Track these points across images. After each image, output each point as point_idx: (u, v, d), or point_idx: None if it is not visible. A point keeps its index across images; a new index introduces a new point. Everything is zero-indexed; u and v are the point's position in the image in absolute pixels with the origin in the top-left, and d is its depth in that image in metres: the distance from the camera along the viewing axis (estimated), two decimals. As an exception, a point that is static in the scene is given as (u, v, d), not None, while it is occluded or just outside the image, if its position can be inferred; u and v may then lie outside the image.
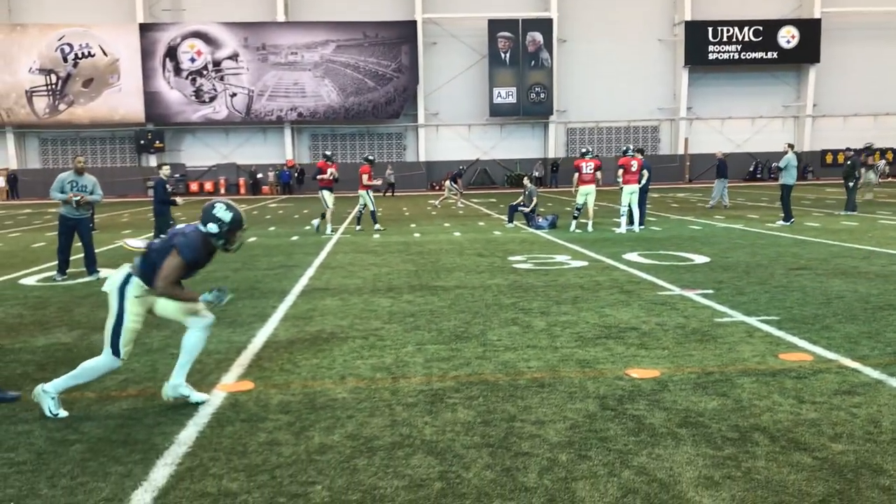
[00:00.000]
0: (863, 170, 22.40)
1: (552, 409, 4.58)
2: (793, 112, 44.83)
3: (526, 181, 18.56)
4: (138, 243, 4.81)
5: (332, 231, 17.13)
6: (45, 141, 42.76)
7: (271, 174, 42.16)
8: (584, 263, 11.06)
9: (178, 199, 13.23)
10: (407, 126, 43.71)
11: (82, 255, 10.68)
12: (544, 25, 42.26)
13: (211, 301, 4.73)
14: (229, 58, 41.35)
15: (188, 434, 4.27)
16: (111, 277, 4.70)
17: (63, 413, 4.59)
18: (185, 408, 4.72)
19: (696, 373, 5.28)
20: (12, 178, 40.91)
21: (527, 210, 17.53)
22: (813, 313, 7.16)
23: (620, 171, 15.92)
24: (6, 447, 4.15)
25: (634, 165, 15.93)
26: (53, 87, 40.67)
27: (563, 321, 7.07)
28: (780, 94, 44.54)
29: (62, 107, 40.86)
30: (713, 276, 9.60)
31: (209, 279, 8.76)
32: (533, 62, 42.30)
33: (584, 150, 16.61)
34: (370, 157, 18.23)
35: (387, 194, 36.78)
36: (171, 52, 40.93)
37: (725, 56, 42.85)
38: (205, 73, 41.33)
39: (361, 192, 17.40)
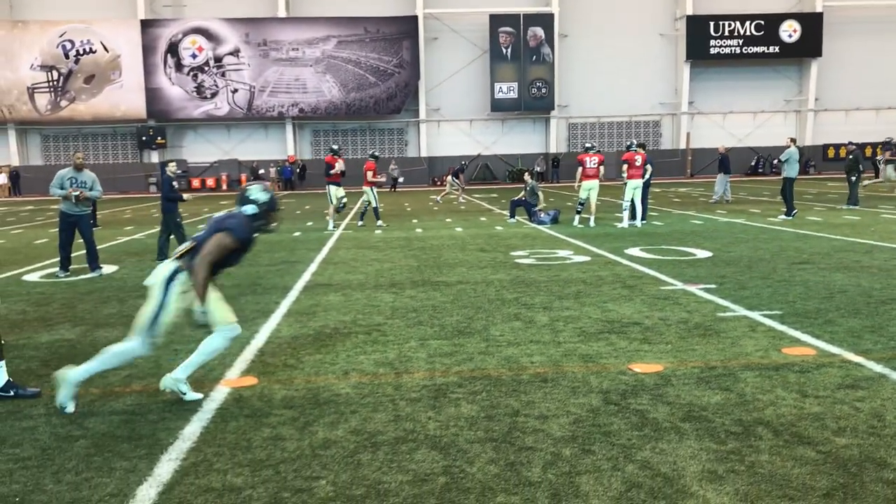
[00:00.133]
0: (882, 164, 22.17)
1: (555, 403, 4.59)
2: (794, 106, 44.73)
3: (527, 177, 18.54)
4: (183, 247, 4.82)
5: (334, 227, 17.14)
6: (47, 137, 42.77)
7: (273, 170, 42.14)
8: (587, 258, 11.06)
9: (186, 195, 13.25)
10: (408, 121, 43.67)
11: (84, 251, 10.70)
12: (545, 20, 42.18)
13: (197, 315, 4.68)
14: (230, 54, 41.31)
15: (192, 429, 4.28)
16: (156, 271, 4.71)
17: (71, 409, 4.61)
18: (188, 403, 4.74)
19: (700, 367, 5.29)
20: (14, 175, 40.93)
21: (537, 208, 17.49)
22: (816, 307, 7.16)
23: (625, 167, 15.90)
24: (11, 443, 4.16)
25: (638, 160, 15.91)
26: (55, 83, 40.67)
27: (565, 316, 7.08)
28: (782, 88, 44.44)
29: (64, 103, 40.86)
30: (716, 270, 9.60)
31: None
32: (534, 57, 42.22)
33: (588, 145, 16.54)
34: (376, 154, 18.19)
35: (393, 189, 36.84)
36: (173, 48, 40.90)
37: (727, 50, 42.74)
38: (206, 69, 41.30)
39: (366, 188, 17.40)
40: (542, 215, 17.18)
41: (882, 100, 44.15)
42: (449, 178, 28.58)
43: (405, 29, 41.65)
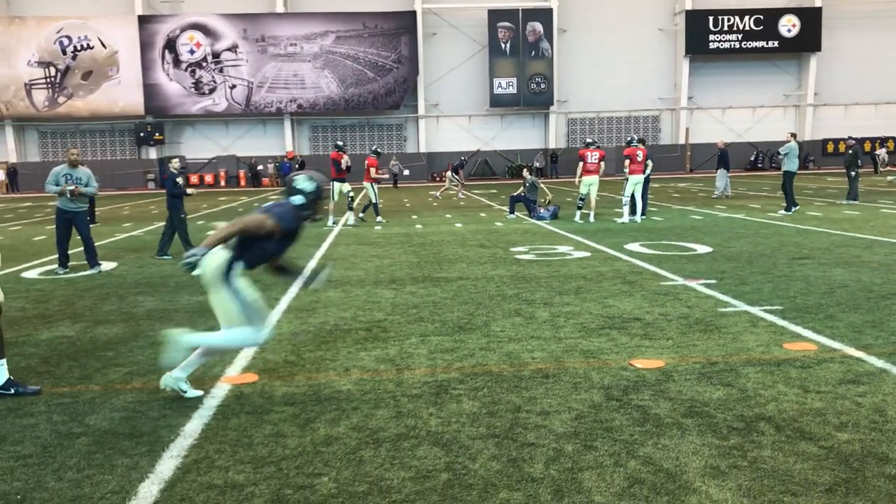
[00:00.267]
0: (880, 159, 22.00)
1: (557, 399, 4.58)
2: (794, 101, 44.71)
3: (525, 173, 18.52)
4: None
5: (333, 223, 17.11)
6: (45, 134, 42.70)
7: (271, 166, 42.09)
8: (587, 254, 11.05)
9: (190, 190, 13.24)
10: (407, 117, 43.62)
11: (82, 248, 10.68)
12: (544, 15, 42.11)
13: (191, 258, 4.36)
14: (228, 49, 41.23)
15: (194, 426, 4.27)
16: (208, 264, 4.53)
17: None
18: (189, 400, 4.73)
19: (701, 363, 5.28)
20: (12, 172, 40.85)
21: (541, 201, 17.45)
22: (816, 303, 7.15)
23: (627, 162, 15.88)
24: (12, 440, 4.15)
25: (640, 155, 15.89)
26: (52, 79, 40.58)
27: (566, 312, 7.07)
28: (781, 83, 44.42)
29: (61, 99, 40.78)
30: (716, 265, 9.59)
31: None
32: (533, 52, 42.17)
33: (588, 141, 16.53)
34: (378, 150, 18.13)
35: (394, 186, 36.86)
36: (170, 44, 40.81)
37: (726, 45, 42.71)
38: (204, 64, 41.22)
39: (366, 183, 17.37)
40: (542, 211, 17.16)
41: (881, 94, 44.15)
42: (448, 173, 28.56)
43: (404, 24, 41.57)
